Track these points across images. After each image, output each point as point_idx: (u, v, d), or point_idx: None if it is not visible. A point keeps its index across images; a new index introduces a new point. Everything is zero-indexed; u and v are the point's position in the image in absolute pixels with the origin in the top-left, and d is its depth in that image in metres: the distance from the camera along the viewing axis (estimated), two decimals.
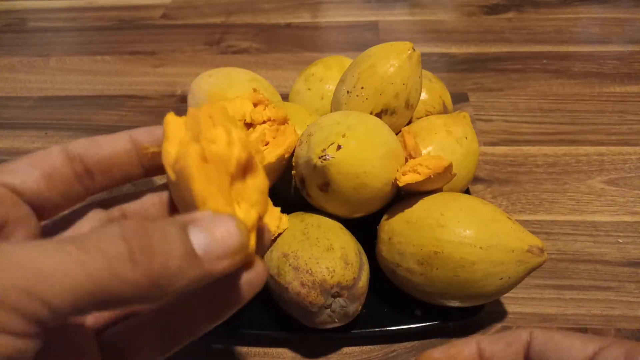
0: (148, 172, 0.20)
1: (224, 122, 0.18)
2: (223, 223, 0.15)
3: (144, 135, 0.19)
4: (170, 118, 0.18)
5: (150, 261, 0.13)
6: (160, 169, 0.19)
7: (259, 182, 0.18)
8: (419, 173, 0.30)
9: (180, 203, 0.18)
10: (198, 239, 0.15)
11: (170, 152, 0.17)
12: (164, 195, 0.20)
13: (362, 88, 0.35)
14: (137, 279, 0.13)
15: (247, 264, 0.17)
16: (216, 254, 0.15)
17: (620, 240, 0.40)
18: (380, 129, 0.32)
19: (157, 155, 0.19)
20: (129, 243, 0.13)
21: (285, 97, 0.48)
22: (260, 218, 0.18)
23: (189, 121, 0.18)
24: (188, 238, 0.14)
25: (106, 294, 0.13)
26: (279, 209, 0.32)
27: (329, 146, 0.29)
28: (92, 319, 0.18)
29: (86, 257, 0.13)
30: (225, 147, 0.17)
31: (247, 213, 0.17)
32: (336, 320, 0.30)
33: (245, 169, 0.18)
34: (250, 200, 0.18)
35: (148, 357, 0.18)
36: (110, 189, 0.19)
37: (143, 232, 0.14)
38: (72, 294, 0.12)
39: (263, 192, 0.18)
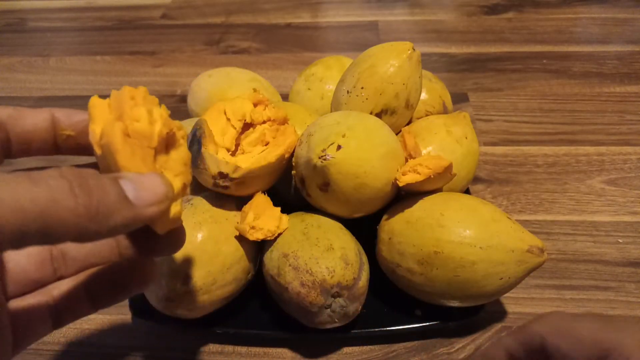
0: (59, 150, 0.21)
1: (146, 103, 0.19)
2: (149, 177, 0.18)
3: (64, 117, 0.21)
4: (95, 100, 0.19)
5: (88, 196, 0.15)
6: (71, 151, 0.21)
7: (181, 155, 0.20)
8: (419, 173, 0.30)
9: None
10: (129, 188, 0.17)
11: (96, 131, 0.19)
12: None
13: (362, 88, 0.35)
14: (76, 207, 0.15)
15: (174, 229, 0.20)
16: (146, 200, 0.17)
17: (620, 240, 0.40)
18: (380, 129, 0.32)
19: (72, 138, 0.21)
20: (69, 180, 0.15)
21: (285, 97, 0.48)
22: (185, 186, 0.20)
23: (113, 103, 0.19)
24: (120, 186, 0.16)
25: (48, 220, 0.14)
26: (279, 209, 0.32)
27: (329, 146, 0.29)
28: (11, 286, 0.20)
29: (34, 187, 0.14)
30: (148, 125, 0.19)
31: (172, 181, 0.19)
32: (336, 320, 0.30)
33: (168, 144, 0.20)
34: (174, 171, 0.20)
35: (40, 332, 0.20)
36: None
37: (79, 175, 0.16)
38: (20, 217, 0.14)
39: (186, 164, 0.20)
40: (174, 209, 0.19)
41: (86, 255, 0.22)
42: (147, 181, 0.17)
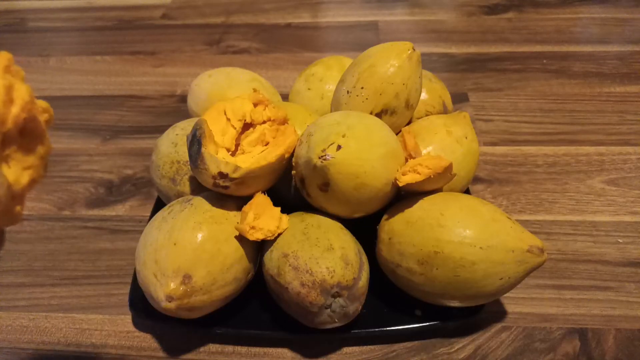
0: None
1: (7, 76, 0.16)
2: None
3: None
4: None
5: None
6: None
7: (39, 145, 0.18)
8: (419, 173, 0.30)
9: None
10: None
11: None
12: None
13: (362, 88, 0.35)
14: None
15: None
16: None
17: (620, 240, 0.40)
18: (380, 129, 0.32)
19: None
20: None
21: (285, 97, 0.48)
22: (33, 182, 0.18)
23: None
24: None
25: None
26: (279, 209, 0.32)
27: (329, 146, 0.29)
28: None
29: None
30: (2, 105, 0.16)
31: (18, 175, 0.17)
32: (336, 320, 0.30)
33: (24, 130, 0.17)
34: (25, 163, 0.17)
35: None
36: None
37: None
38: None
39: (43, 158, 0.18)
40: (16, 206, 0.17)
41: None
42: None
